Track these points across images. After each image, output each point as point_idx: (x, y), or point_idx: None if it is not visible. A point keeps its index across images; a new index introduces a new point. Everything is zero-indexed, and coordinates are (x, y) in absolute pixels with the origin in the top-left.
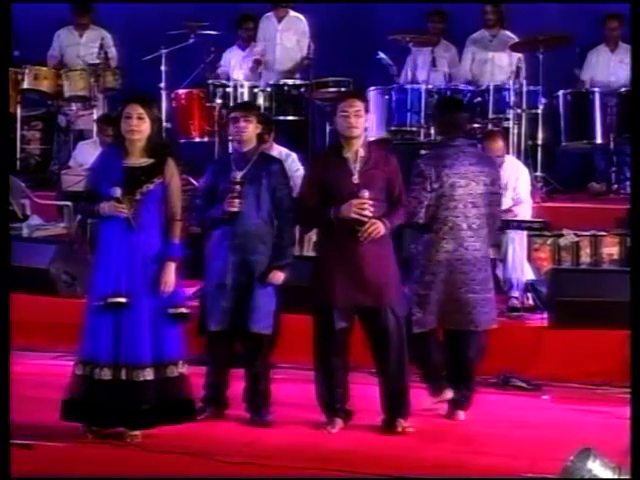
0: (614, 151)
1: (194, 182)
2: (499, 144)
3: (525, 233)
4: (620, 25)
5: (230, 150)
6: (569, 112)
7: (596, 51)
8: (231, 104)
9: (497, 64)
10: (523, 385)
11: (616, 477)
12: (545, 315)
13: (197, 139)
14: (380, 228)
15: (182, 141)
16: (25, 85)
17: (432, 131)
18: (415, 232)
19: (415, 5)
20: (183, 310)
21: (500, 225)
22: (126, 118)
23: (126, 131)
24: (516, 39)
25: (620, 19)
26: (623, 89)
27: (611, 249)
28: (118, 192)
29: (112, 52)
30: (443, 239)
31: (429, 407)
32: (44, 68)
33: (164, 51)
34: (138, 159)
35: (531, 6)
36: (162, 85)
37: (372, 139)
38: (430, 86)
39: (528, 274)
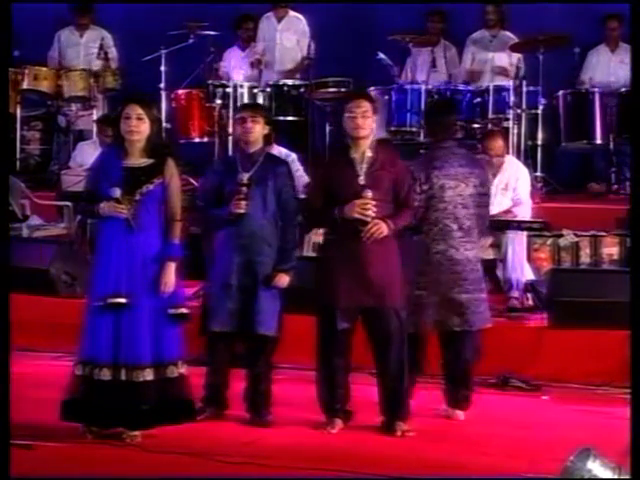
0: (614, 151)
1: (194, 182)
2: (499, 143)
3: (525, 233)
4: (620, 25)
5: (230, 151)
6: (569, 112)
7: (596, 51)
8: (231, 104)
9: (497, 64)
10: (523, 385)
11: (616, 477)
12: (545, 315)
13: (197, 139)
14: (383, 229)
15: (182, 141)
16: (25, 85)
17: None
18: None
19: (415, 5)
20: (183, 310)
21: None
22: (125, 119)
23: (125, 132)
24: (516, 39)
25: (620, 19)
26: (623, 89)
27: (611, 249)
28: (118, 192)
29: (112, 52)
30: (434, 240)
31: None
32: (44, 68)
33: (164, 51)
34: (138, 159)
35: (531, 6)
36: (162, 85)
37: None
38: (430, 86)
39: (528, 274)
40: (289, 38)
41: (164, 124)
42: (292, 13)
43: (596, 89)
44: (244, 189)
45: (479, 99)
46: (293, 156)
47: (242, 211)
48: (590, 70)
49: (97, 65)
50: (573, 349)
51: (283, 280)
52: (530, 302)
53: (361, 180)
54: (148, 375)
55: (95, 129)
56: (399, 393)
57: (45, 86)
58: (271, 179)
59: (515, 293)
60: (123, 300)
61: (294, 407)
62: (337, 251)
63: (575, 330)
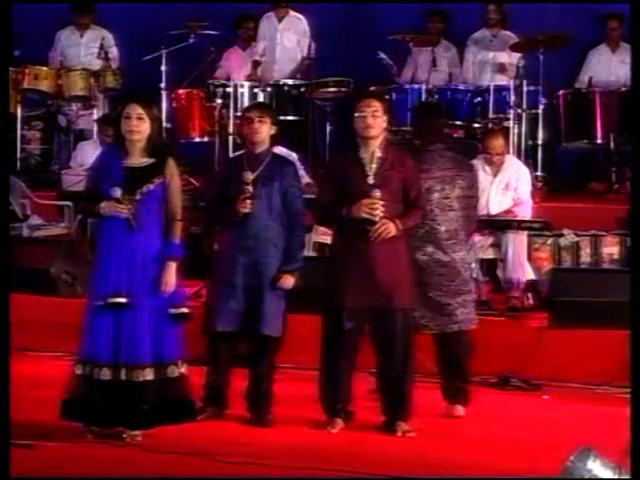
0: (614, 151)
1: (194, 182)
2: (500, 142)
3: (525, 233)
4: (620, 25)
5: (231, 151)
6: (569, 112)
7: (597, 51)
8: (231, 104)
9: (498, 64)
10: (523, 385)
11: (616, 477)
12: (545, 315)
13: (197, 139)
14: (391, 228)
15: (182, 141)
16: (25, 85)
17: None
18: None
19: (415, 5)
20: (184, 310)
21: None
22: (125, 118)
23: (126, 131)
24: (516, 39)
25: (620, 19)
26: (624, 89)
27: (611, 249)
28: (118, 192)
29: (113, 52)
30: (421, 242)
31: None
32: (44, 68)
33: (164, 51)
34: (138, 159)
35: (531, 6)
36: (162, 85)
37: None
38: (430, 86)
39: (528, 274)
40: (289, 38)
41: (164, 124)
42: (292, 13)
43: (597, 89)
44: (249, 188)
45: (479, 99)
46: (294, 156)
47: (247, 210)
48: (590, 70)
49: (97, 65)
50: (573, 349)
51: (288, 281)
52: (530, 302)
53: (370, 180)
54: (148, 375)
55: (95, 129)
56: (401, 393)
57: (46, 86)
58: (277, 179)
59: (515, 293)
60: (123, 300)
61: (294, 407)
62: (345, 251)
63: (575, 330)
